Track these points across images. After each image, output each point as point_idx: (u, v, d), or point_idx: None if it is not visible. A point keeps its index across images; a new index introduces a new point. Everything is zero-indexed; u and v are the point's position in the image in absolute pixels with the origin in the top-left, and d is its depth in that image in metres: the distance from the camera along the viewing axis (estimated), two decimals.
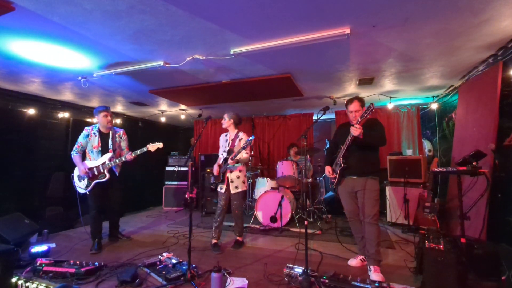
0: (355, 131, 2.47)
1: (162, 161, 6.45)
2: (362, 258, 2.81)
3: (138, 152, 3.34)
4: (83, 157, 3.45)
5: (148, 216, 5.38)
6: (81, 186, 3.34)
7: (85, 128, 3.44)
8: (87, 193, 3.33)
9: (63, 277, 2.48)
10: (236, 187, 3.32)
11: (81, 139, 3.39)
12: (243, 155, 3.24)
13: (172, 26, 2.33)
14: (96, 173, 3.29)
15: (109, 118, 3.42)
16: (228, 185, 3.34)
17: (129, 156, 3.30)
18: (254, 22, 2.27)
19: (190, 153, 3.00)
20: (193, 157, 6.57)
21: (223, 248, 3.37)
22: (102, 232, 3.44)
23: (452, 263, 2.04)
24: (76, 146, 3.38)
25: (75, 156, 3.35)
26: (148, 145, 3.33)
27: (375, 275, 2.44)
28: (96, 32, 2.43)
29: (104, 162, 3.31)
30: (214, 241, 3.35)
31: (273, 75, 3.54)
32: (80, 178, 3.35)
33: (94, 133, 3.41)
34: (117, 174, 3.50)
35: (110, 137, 3.45)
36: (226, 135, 3.58)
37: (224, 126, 3.49)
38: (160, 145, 3.32)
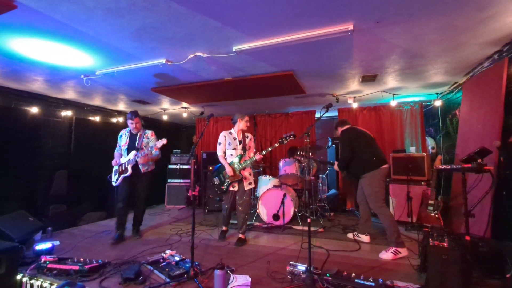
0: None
1: (164, 159, 6.45)
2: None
3: (150, 149, 3.54)
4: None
5: (151, 214, 5.39)
6: (114, 180, 3.71)
7: (121, 130, 3.88)
8: (116, 187, 3.70)
9: (67, 274, 2.49)
10: (250, 183, 3.52)
11: (118, 139, 3.86)
12: (257, 156, 3.41)
13: (174, 24, 2.31)
14: (123, 168, 3.63)
15: (134, 125, 3.68)
16: (241, 183, 3.47)
17: (142, 152, 3.55)
18: (257, 19, 2.26)
19: (193, 151, 3.00)
20: (195, 155, 6.57)
21: (227, 241, 3.56)
22: (125, 226, 3.73)
23: (456, 260, 2.02)
24: (116, 145, 3.87)
25: (115, 153, 3.83)
26: (157, 143, 3.47)
27: (382, 254, 2.94)
28: (98, 30, 2.42)
29: (129, 159, 3.59)
30: (224, 228, 3.70)
31: (275, 73, 3.53)
32: (115, 172, 3.72)
33: (125, 134, 3.81)
34: (142, 171, 3.67)
35: (138, 137, 3.75)
36: (230, 134, 3.59)
37: (244, 128, 3.57)
38: (164, 141, 3.42)
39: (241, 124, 3.55)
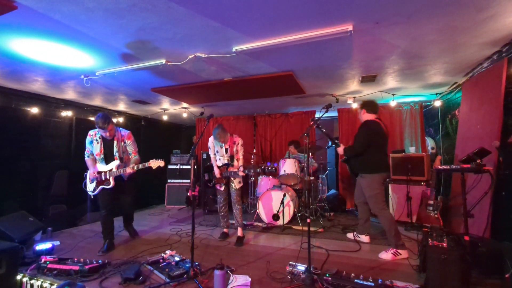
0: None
1: (164, 159, 6.45)
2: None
3: (141, 166, 3.23)
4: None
5: (151, 214, 5.40)
6: (89, 188, 3.34)
7: (89, 133, 3.31)
8: (92, 196, 3.35)
9: (67, 274, 2.50)
10: (239, 182, 3.60)
11: (87, 145, 3.31)
12: (240, 172, 3.42)
13: (174, 24, 2.32)
14: (103, 178, 3.25)
15: (107, 133, 3.17)
16: (229, 183, 3.60)
17: (129, 170, 3.22)
18: (256, 20, 2.26)
19: (193, 151, 3.01)
20: (195, 155, 6.56)
21: (227, 241, 3.61)
22: (113, 233, 3.41)
23: (455, 261, 2.03)
24: (86, 151, 3.34)
25: (86, 159, 3.35)
26: (151, 161, 3.21)
27: (382, 254, 2.96)
28: (98, 31, 2.43)
29: (111, 170, 3.24)
30: (225, 230, 3.77)
31: (275, 73, 3.53)
32: (92, 180, 3.32)
33: (97, 140, 3.26)
34: (125, 179, 3.41)
35: (115, 144, 3.29)
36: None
37: (225, 139, 3.51)
38: (161, 163, 3.21)
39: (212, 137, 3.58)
